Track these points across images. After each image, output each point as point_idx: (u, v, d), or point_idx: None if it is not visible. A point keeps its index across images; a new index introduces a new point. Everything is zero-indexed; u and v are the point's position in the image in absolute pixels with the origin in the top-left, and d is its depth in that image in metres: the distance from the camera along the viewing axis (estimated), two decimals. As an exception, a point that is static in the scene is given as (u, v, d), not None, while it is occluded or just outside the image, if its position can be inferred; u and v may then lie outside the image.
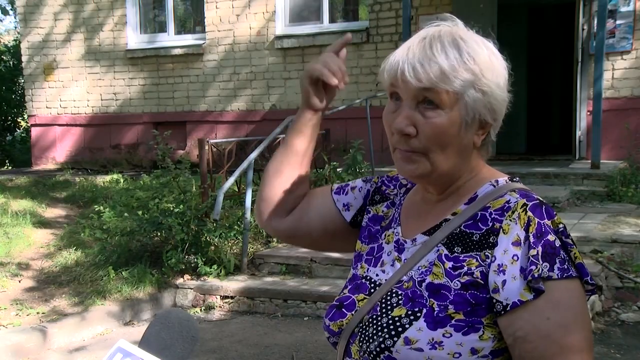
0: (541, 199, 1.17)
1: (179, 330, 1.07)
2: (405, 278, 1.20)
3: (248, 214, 6.14)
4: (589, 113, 7.99)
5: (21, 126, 15.58)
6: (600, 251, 5.33)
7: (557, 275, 1.09)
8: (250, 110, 10.05)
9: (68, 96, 11.31)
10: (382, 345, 1.15)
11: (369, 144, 8.15)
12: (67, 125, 11.39)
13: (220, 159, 6.87)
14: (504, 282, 1.10)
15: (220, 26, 10.11)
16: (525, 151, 9.79)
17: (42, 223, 7.41)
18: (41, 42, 11.42)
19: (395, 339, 1.14)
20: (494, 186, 1.22)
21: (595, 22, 7.77)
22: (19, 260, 6.26)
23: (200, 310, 5.60)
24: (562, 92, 10.39)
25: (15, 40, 16.19)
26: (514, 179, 1.25)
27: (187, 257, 5.92)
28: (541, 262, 1.09)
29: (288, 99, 9.75)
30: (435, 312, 1.13)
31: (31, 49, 11.52)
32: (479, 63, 1.15)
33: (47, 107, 11.50)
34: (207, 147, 6.57)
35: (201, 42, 10.32)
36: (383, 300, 1.21)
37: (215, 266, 5.88)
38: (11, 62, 15.24)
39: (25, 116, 13.46)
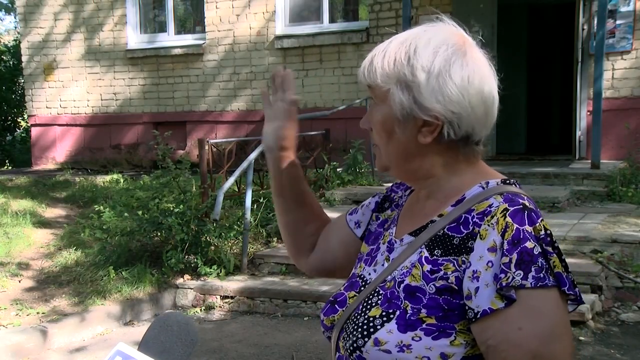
0: (527, 203, 1.14)
1: (177, 333, 1.08)
2: (389, 278, 1.21)
3: (248, 214, 6.14)
4: (589, 113, 7.99)
5: (21, 126, 15.58)
6: (600, 251, 5.33)
7: (531, 283, 1.06)
8: (250, 110, 10.05)
9: (68, 96, 11.32)
10: (355, 345, 1.16)
11: (369, 144, 8.14)
12: (67, 125, 11.39)
13: (220, 159, 6.87)
14: (477, 289, 1.09)
15: (220, 26, 10.11)
16: (525, 151, 9.79)
17: (42, 223, 7.41)
18: (41, 42, 11.42)
19: (366, 339, 1.14)
20: (483, 188, 1.20)
21: (595, 22, 7.77)
22: (19, 260, 6.26)
23: (201, 310, 5.60)
24: (562, 92, 10.39)
25: (15, 40, 16.19)
26: (508, 181, 1.22)
27: (187, 257, 5.92)
28: (514, 270, 1.06)
29: (288, 99, 9.73)
30: (408, 315, 1.13)
31: (31, 49, 11.53)
32: (413, 63, 1.17)
33: (47, 107, 11.50)
34: (207, 147, 6.57)
35: (201, 42, 10.32)
36: (366, 299, 1.22)
37: (215, 266, 5.88)
38: (11, 62, 15.24)
39: (25, 116, 13.46)
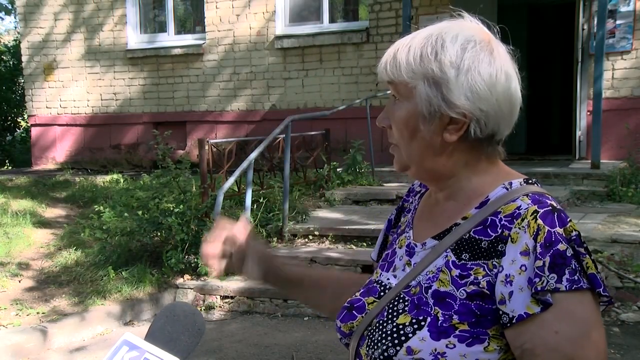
0: (555, 204, 1.12)
1: (184, 323, 1.08)
2: (413, 283, 1.19)
3: (248, 214, 6.14)
4: (589, 113, 7.99)
5: (21, 126, 15.59)
6: (600, 251, 5.33)
7: (566, 287, 1.05)
8: (250, 110, 10.05)
9: (68, 96, 11.32)
10: (385, 354, 1.13)
11: (369, 144, 8.16)
12: (67, 125, 11.39)
13: (220, 159, 6.87)
14: (510, 293, 1.07)
15: (220, 26, 10.12)
16: (525, 151, 9.79)
17: (42, 223, 7.41)
18: (41, 42, 11.42)
19: (398, 348, 1.12)
20: (507, 189, 1.17)
21: (595, 22, 7.77)
22: (19, 260, 6.26)
23: (200, 310, 5.59)
24: (562, 92, 10.39)
25: (15, 40, 16.20)
26: (530, 181, 1.20)
27: (187, 257, 5.92)
28: (548, 274, 1.05)
29: (288, 99, 9.76)
30: (440, 322, 1.11)
31: (31, 49, 11.53)
32: (441, 59, 1.14)
33: (47, 107, 11.50)
34: (207, 147, 6.57)
35: (201, 42, 10.32)
36: (390, 305, 1.19)
37: (215, 266, 5.87)
38: (11, 62, 15.25)
39: (25, 116, 13.47)
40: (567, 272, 1.05)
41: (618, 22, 8.03)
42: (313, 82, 9.59)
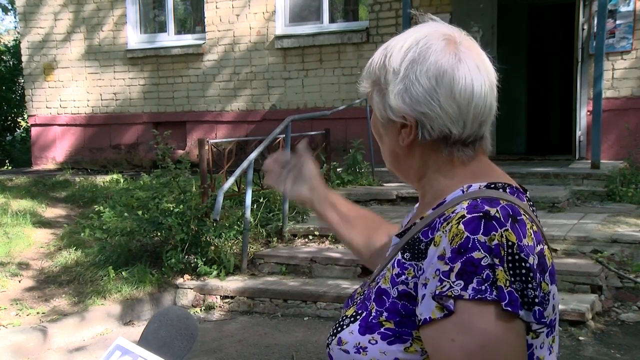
0: (494, 211, 1.06)
1: (177, 327, 1.08)
2: (376, 278, 1.22)
3: (248, 214, 6.14)
4: (588, 113, 7.99)
5: (21, 126, 15.60)
6: (600, 251, 5.33)
7: (470, 295, 1.01)
8: (250, 110, 10.05)
9: (68, 96, 11.32)
10: (327, 341, 1.20)
11: (369, 143, 8.16)
12: (66, 125, 11.39)
13: (220, 159, 6.87)
14: (423, 296, 1.07)
15: (220, 26, 10.12)
16: (525, 151, 9.79)
17: (42, 223, 7.41)
18: (41, 41, 11.42)
19: (333, 337, 1.18)
20: (464, 191, 1.15)
21: (595, 22, 7.77)
22: (19, 260, 6.26)
23: (200, 310, 5.60)
24: (562, 92, 10.39)
25: (15, 40, 16.20)
26: (493, 185, 1.15)
27: (187, 257, 5.92)
28: (454, 280, 1.02)
29: (288, 98, 9.76)
30: (371, 318, 1.13)
31: (31, 48, 11.53)
32: (387, 67, 1.18)
33: (47, 107, 11.50)
34: (207, 147, 6.57)
35: (201, 42, 10.32)
36: (355, 297, 1.26)
37: (215, 266, 5.88)
38: (11, 62, 15.26)
39: (25, 116, 13.47)
40: (475, 280, 1.01)
41: (618, 22, 8.03)
42: (313, 82, 9.59)
